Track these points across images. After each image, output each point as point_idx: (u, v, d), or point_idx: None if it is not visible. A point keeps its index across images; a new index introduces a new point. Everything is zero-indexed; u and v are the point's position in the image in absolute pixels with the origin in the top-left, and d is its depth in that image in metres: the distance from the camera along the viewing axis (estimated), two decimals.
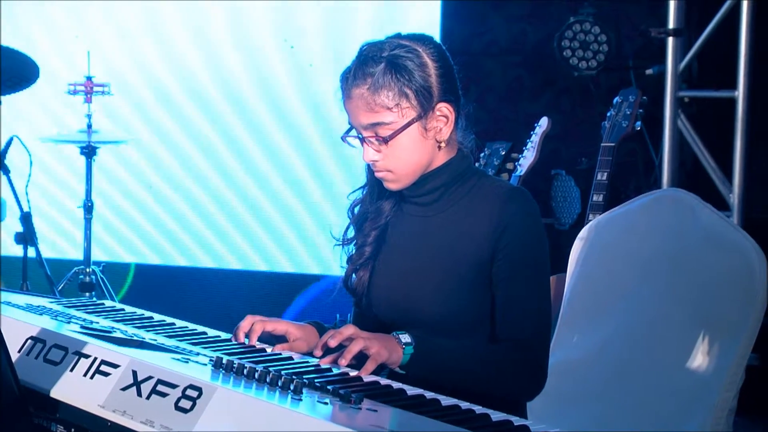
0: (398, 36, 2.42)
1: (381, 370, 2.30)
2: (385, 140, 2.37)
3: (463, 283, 2.38)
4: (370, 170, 2.51)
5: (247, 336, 2.39)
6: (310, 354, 2.36)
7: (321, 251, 5.63)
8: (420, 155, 2.41)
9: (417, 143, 2.39)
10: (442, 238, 2.43)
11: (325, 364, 2.24)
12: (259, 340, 2.40)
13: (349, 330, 2.25)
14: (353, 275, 2.54)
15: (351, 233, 2.57)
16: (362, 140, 2.41)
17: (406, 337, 2.27)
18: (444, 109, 2.40)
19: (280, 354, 2.33)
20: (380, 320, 2.50)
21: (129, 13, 5.77)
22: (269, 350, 2.35)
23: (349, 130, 2.45)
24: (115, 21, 5.78)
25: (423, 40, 2.42)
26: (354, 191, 2.59)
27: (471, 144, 2.50)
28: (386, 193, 2.51)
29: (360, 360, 2.23)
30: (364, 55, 2.39)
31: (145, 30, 5.77)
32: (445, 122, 2.41)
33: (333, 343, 2.24)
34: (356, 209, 2.57)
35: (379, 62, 2.35)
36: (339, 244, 2.57)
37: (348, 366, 2.22)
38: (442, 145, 2.42)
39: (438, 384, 2.20)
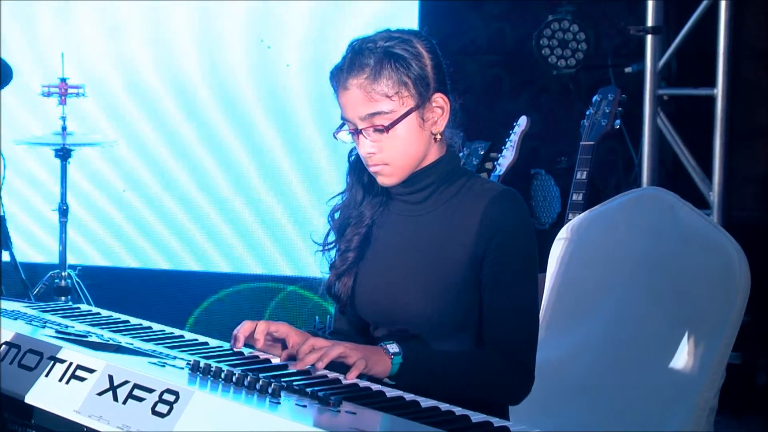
0: (388, 30, 2.41)
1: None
2: (386, 128, 2.34)
3: (450, 283, 2.35)
4: (352, 173, 2.50)
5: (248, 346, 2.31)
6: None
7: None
8: (417, 147, 2.39)
9: (414, 134, 2.37)
10: (430, 237, 2.40)
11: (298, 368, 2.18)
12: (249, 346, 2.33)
13: (337, 349, 2.17)
14: (336, 282, 2.50)
15: (332, 238, 2.54)
16: (358, 133, 2.38)
17: (394, 347, 2.22)
18: (440, 99, 2.39)
19: (258, 357, 2.30)
20: (365, 322, 2.48)
21: (102, 14, 5.73)
22: (247, 353, 2.33)
23: (341, 126, 2.42)
24: (91, 22, 5.75)
25: (413, 33, 2.42)
26: (333, 197, 2.56)
27: (459, 143, 2.49)
28: (369, 197, 2.49)
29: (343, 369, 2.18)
30: (357, 48, 2.37)
31: (120, 31, 5.74)
32: (441, 113, 2.40)
33: (311, 359, 2.16)
34: (336, 215, 2.54)
35: (374, 52, 2.34)
36: (320, 250, 2.54)
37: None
38: (438, 137, 2.41)
39: (427, 392, 2.16)
